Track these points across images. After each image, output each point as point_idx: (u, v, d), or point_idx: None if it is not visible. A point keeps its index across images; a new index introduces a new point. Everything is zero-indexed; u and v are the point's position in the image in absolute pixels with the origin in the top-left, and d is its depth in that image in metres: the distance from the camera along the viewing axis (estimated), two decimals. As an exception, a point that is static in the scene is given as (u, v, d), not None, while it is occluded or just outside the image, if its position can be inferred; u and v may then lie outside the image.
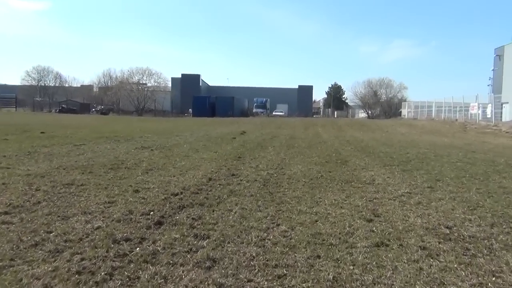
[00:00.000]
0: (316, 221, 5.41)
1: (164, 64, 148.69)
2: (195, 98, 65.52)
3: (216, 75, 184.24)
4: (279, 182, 8.08)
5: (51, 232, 4.61)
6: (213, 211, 5.76)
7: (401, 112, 68.79)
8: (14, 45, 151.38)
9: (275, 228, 5.06)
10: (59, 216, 5.24)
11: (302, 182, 8.21)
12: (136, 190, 6.90)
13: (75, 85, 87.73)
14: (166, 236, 4.59)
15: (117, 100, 70.73)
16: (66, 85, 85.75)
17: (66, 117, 42.03)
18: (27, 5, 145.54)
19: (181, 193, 6.75)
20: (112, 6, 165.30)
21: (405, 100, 72.08)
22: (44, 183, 7.18)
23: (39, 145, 13.35)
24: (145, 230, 4.81)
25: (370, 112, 75.98)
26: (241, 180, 8.13)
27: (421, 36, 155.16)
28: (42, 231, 4.65)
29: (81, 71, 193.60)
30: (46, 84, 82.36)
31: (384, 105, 74.23)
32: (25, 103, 73.48)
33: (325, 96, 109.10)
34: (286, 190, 7.38)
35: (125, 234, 4.57)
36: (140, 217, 5.29)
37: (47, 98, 77.80)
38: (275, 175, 8.98)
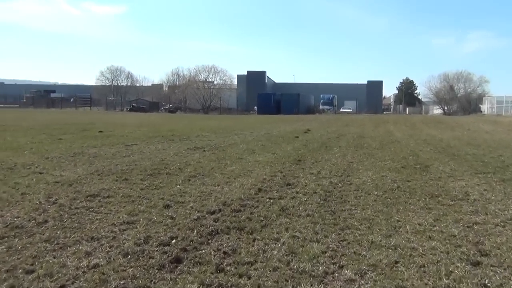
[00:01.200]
0: (396, 262, 3.82)
1: (231, 62, 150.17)
2: (260, 95, 64.61)
3: (282, 71, 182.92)
4: (344, 196, 6.50)
5: (31, 272, 3.45)
6: (254, 240, 4.36)
7: (480, 108, 63.33)
8: (92, 47, 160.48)
9: (336, 274, 3.54)
10: (57, 244, 4.11)
11: (373, 196, 6.56)
12: (167, 205, 5.67)
13: (145, 84, 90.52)
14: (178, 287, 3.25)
15: (184, 98, 71.64)
16: (137, 85, 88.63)
17: (132, 116, 42.76)
18: (106, 9, 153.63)
19: (219, 210, 5.41)
20: (182, 8, 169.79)
21: (485, 95, 66.28)
22: (66, 194, 6.17)
23: (89, 145, 12.73)
24: (155, 272, 3.51)
25: (446, 108, 70.70)
26: (297, 192, 6.65)
27: (502, 27, 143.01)
28: (21, 270, 3.51)
29: (152, 70, 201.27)
30: (119, 84, 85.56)
31: (462, 101, 68.63)
32: (99, 102, 77.03)
33: (396, 91, 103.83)
34: (353, 207, 5.80)
35: (122, 282, 3.29)
36: (156, 249, 4.01)
37: (120, 97, 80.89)
38: (340, 185, 7.39)
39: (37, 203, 5.61)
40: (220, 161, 10.04)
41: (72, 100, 79.24)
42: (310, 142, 15.73)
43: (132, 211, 5.31)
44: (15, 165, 8.76)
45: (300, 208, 5.70)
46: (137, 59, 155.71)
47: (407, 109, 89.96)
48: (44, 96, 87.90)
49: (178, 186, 7.02)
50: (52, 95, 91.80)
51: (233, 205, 5.70)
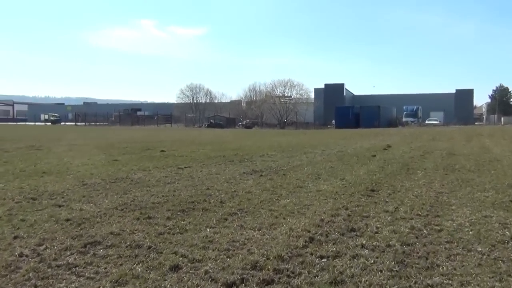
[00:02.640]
0: None
1: (308, 76, 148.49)
2: (337, 108, 62.10)
3: (362, 84, 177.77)
4: (431, 254, 4.53)
5: None
6: None
7: None
8: (175, 67, 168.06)
9: None
10: None
11: (476, 254, 4.51)
12: (176, 266, 4.14)
13: (224, 101, 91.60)
14: None
15: (261, 113, 71.11)
16: (216, 101, 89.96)
17: (207, 132, 42.62)
18: (189, 31, 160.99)
19: (242, 281, 3.77)
20: (258, 26, 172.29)
21: None
22: (63, 240, 4.91)
23: (141, 168, 11.76)
24: None
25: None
26: (362, 246, 4.79)
27: None
28: None
29: (230, 87, 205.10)
30: (198, 101, 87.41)
31: None
32: (179, 119, 79.20)
33: (488, 100, 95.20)
34: (446, 275, 3.85)
35: None
36: None
37: (199, 113, 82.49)
38: (425, 231, 5.39)
39: (15, 255, 4.38)
40: (275, 190, 8.39)
41: (155, 117, 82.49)
42: (388, 162, 13.53)
43: (122, 277, 3.85)
44: (43, 193, 7.84)
45: (365, 274, 3.88)
46: (216, 77, 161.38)
47: (502, 118, 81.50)
48: (130, 114, 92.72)
49: (208, 230, 5.48)
50: (138, 113, 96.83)
51: (265, 269, 4.02)
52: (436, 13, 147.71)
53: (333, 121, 63.60)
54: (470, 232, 5.33)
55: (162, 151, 16.94)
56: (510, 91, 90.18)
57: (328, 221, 5.88)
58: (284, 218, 6.11)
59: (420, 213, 6.38)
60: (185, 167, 11.94)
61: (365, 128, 48.82)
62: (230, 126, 67.78)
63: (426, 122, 64.32)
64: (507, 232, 5.32)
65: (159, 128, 63.16)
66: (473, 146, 20.89)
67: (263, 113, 71.53)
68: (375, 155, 15.88)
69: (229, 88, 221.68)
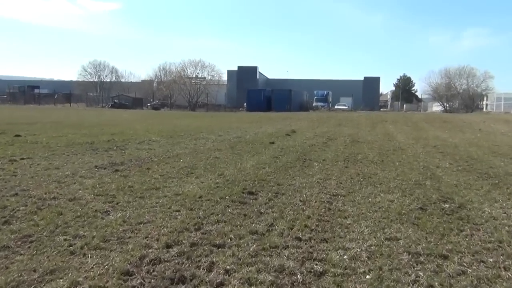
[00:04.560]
0: None
1: (223, 59, 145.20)
2: (249, 91, 60.24)
3: (276, 68, 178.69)
4: None
5: None
6: None
7: (485, 105, 59.37)
8: (81, 43, 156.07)
9: None
10: None
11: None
12: None
13: (132, 80, 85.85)
14: None
15: (170, 94, 67.37)
16: (123, 80, 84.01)
17: (104, 113, 38.51)
18: (101, 5, 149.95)
19: None
20: (173, 5, 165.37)
21: (488, 92, 62.32)
22: None
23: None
24: None
25: (447, 105, 66.63)
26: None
27: (497, 24, 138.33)
28: None
29: (141, 67, 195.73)
30: (102, 79, 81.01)
31: (464, 97, 64.48)
32: (81, 99, 72.46)
33: (393, 88, 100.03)
34: None
35: None
36: None
37: (103, 93, 76.34)
38: (298, 277, 3.34)
39: None
40: (115, 195, 5.96)
41: (56, 96, 74.86)
42: (286, 151, 11.68)
43: None
44: None
45: None
46: (125, 55, 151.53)
47: (404, 106, 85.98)
48: (26, 92, 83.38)
49: None
50: (36, 91, 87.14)
51: None
52: (348, 3, 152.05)
53: (245, 104, 61.95)
54: (367, 277, 3.37)
55: (17, 135, 13.61)
56: (412, 81, 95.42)
57: (152, 260, 3.61)
58: (82, 255, 3.73)
59: (301, 236, 4.36)
60: (22, 159, 9.03)
61: (277, 111, 47.70)
62: (137, 106, 63.35)
63: (336, 107, 65.05)
64: (421, 273, 3.44)
65: (55, 107, 56.97)
66: (377, 132, 20.00)
67: (173, 94, 67.82)
68: (273, 142, 14.02)
69: (139, 67, 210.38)
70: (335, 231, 4.55)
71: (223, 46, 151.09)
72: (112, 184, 6.68)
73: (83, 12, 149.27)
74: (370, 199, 6.07)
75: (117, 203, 5.52)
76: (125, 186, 6.54)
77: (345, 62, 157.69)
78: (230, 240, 4.18)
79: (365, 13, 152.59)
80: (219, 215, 5.08)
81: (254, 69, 79.86)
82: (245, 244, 4.06)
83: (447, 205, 5.74)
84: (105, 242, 4.04)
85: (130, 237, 4.21)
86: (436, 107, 71.85)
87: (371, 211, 5.40)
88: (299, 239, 4.25)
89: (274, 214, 5.16)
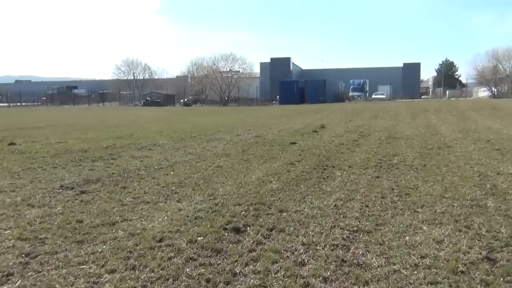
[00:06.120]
0: None
1: (255, 52, 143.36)
2: (282, 83, 57.99)
3: (311, 58, 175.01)
4: None
5: None
6: None
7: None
8: (116, 42, 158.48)
9: None
10: None
11: None
12: None
13: (165, 77, 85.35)
14: None
15: (201, 89, 66.23)
16: (156, 77, 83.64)
17: (133, 112, 37.60)
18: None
19: None
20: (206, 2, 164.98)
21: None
22: None
23: None
24: None
25: (494, 90, 61.86)
26: None
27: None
28: None
29: (174, 64, 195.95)
30: (136, 77, 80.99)
31: (514, 80, 59.54)
32: (116, 97, 72.50)
33: (435, 74, 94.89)
34: None
35: None
36: None
37: (137, 91, 76.20)
38: None
39: None
40: (46, 241, 4.32)
41: (93, 96, 75.44)
42: (306, 154, 9.80)
43: None
44: None
45: None
46: (157, 52, 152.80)
47: (447, 92, 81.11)
48: (65, 92, 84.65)
49: None
50: (75, 91, 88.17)
51: None
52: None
53: (278, 96, 59.86)
54: None
55: (12, 143, 12.36)
56: (455, 65, 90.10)
57: None
58: None
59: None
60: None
61: (311, 103, 45.47)
62: (169, 103, 62.65)
63: (373, 96, 61.84)
64: None
65: (87, 108, 57.04)
66: (418, 124, 17.64)
67: (205, 89, 66.67)
68: (295, 142, 12.12)
69: (173, 64, 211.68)
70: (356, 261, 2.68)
71: (255, 38, 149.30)
72: (58, 218, 5.05)
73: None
74: (407, 238, 4.13)
75: (36, 256, 3.86)
76: (72, 221, 4.88)
77: (383, 49, 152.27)
78: None
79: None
80: (169, 280, 3.32)
81: (287, 60, 77.53)
82: None
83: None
84: None
85: None
86: (483, 93, 66.96)
87: (408, 267, 3.47)
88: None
89: (254, 279, 3.33)
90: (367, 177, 7.15)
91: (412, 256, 3.69)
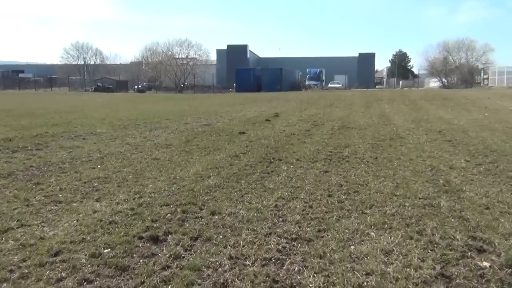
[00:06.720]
0: None
1: (212, 38, 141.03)
2: (237, 70, 57.10)
3: (268, 46, 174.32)
4: None
5: None
6: None
7: (483, 79, 56.46)
8: (68, 25, 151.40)
9: None
10: None
11: None
12: None
13: (118, 62, 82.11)
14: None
15: (155, 76, 64.19)
16: (108, 63, 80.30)
17: (80, 98, 35.61)
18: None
19: None
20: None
21: (487, 66, 59.29)
22: None
23: None
24: None
25: (445, 80, 63.68)
26: None
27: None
28: None
29: (128, 49, 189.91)
30: (86, 62, 77.42)
31: (463, 71, 61.43)
32: (64, 83, 69.04)
33: (389, 65, 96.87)
34: None
35: None
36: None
37: (88, 76, 72.92)
38: None
39: None
40: None
41: (41, 80, 71.51)
42: (254, 145, 9.15)
43: None
44: None
45: None
46: (109, 36, 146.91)
47: (401, 82, 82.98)
48: (10, 77, 79.72)
49: None
50: (21, 75, 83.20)
51: None
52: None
53: (234, 84, 58.93)
54: None
55: None
56: (408, 56, 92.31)
57: None
58: None
59: None
60: None
61: (267, 91, 44.92)
62: (122, 90, 60.32)
63: (329, 85, 62.16)
64: None
65: (32, 92, 53.88)
66: (372, 114, 17.40)
67: (160, 75, 64.66)
68: (244, 132, 11.45)
69: (127, 49, 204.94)
70: None
71: (212, 25, 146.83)
72: None
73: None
74: (352, 248, 3.54)
75: None
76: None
77: (340, 39, 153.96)
78: None
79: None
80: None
81: (244, 48, 76.51)
82: None
83: (487, 264, 3.22)
84: None
85: None
86: (434, 83, 68.89)
87: (350, 288, 2.86)
88: None
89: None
90: (315, 172, 6.57)
91: (356, 272, 3.09)
